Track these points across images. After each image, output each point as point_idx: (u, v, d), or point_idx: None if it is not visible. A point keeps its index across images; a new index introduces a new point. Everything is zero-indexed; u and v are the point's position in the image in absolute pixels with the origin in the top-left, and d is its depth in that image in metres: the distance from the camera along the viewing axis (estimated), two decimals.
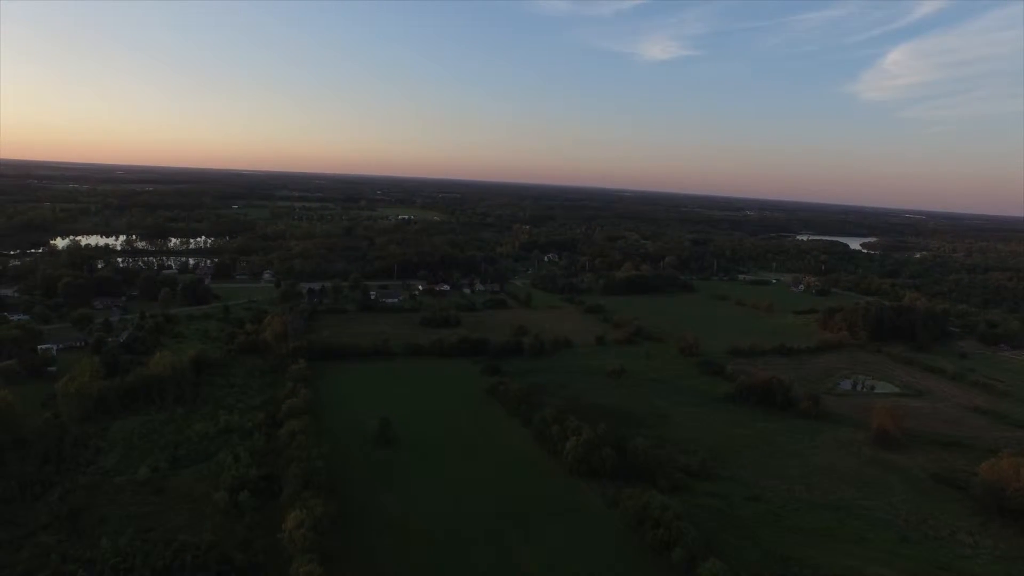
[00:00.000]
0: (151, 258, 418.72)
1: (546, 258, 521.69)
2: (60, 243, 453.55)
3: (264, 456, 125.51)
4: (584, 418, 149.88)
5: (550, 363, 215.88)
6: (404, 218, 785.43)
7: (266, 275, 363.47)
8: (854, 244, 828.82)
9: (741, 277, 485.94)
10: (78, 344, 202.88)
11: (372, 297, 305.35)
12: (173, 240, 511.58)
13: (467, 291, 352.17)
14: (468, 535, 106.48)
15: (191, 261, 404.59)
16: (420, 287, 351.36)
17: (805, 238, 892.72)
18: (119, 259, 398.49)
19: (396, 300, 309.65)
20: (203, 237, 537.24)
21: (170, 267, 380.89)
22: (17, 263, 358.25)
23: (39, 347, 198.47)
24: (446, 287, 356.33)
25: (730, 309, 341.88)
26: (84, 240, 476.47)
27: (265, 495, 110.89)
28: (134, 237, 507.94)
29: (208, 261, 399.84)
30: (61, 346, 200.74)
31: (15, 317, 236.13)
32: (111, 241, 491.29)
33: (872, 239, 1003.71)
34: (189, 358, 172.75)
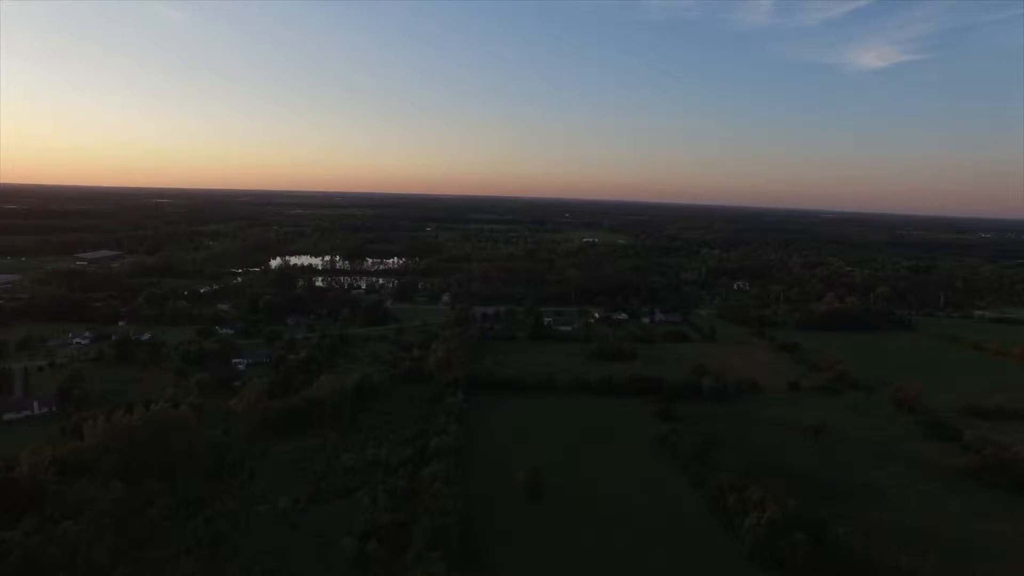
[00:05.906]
0: (346, 277, 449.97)
1: (735, 286, 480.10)
2: (275, 263, 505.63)
3: (402, 499, 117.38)
4: (769, 486, 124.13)
5: (732, 410, 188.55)
6: (588, 241, 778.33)
7: (444, 297, 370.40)
8: None
9: (979, 313, 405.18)
10: (264, 360, 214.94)
11: (546, 323, 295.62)
12: (369, 260, 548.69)
13: (646, 321, 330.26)
14: None
15: (380, 281, 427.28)
16: (596, 314, 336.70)
17: None
18: (319, 278, 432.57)
19: (570, 328, 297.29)
20: (395, 258, 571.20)
21: (359, 287, 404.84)
22: (239, 280, 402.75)
23: (233, 361, 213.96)
24: (623, 315, 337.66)
25: (964, 354, 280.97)
26: (294, 260, 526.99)
27: (395, 545, 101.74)
28: (336, 257, 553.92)
29: (394, 282, 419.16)
30: (250, 361, 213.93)
31: (224, 331, 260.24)
32: (315, 261, 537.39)
33: None
34: (351, 383, 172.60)
